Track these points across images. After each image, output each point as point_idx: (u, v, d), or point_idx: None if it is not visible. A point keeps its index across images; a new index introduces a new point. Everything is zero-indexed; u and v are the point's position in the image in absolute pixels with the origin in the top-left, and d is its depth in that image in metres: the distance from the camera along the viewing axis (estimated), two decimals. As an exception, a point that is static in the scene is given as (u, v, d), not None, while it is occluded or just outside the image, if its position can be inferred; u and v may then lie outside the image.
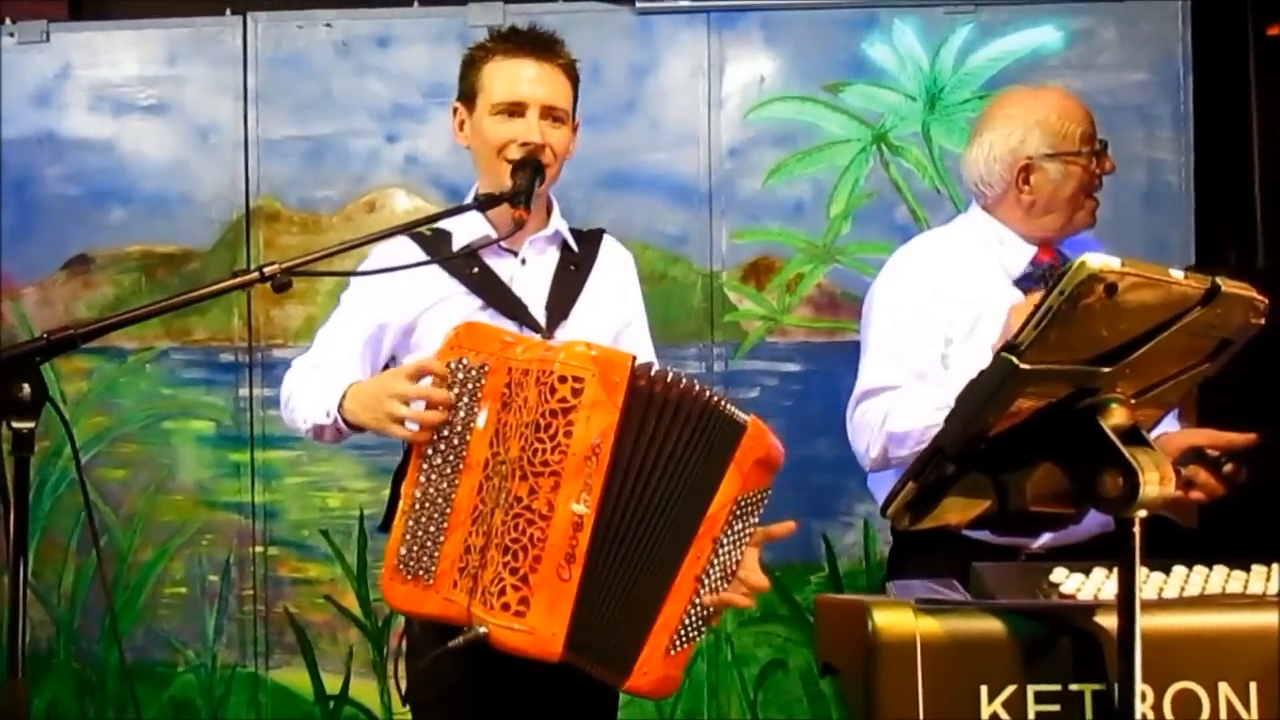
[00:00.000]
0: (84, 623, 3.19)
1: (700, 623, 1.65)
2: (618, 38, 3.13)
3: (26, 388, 1.30)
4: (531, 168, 1.85)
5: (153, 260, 3.21)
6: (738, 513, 1.63)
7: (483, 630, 1.57)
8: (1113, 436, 1.17)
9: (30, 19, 3.23)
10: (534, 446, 1.57)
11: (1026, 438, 1.22)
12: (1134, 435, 1.19)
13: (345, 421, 1.78)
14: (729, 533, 1.63)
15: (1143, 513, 1.18)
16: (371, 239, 1.79)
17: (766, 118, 3.12)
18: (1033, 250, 2.19)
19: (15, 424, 1.29)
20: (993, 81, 3.05)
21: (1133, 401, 1.22)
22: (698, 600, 1.63)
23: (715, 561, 1.63)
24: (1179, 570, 1.46)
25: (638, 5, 3.12)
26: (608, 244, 2.08)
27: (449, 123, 3.06)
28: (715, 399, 1.64)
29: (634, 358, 1.62)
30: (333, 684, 3.16)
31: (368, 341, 1.94)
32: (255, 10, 3.20)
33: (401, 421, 1.66)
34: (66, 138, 3.23)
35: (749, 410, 1.68)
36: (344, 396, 1.77)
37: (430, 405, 1.65)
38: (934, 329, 2.15)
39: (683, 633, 1.63)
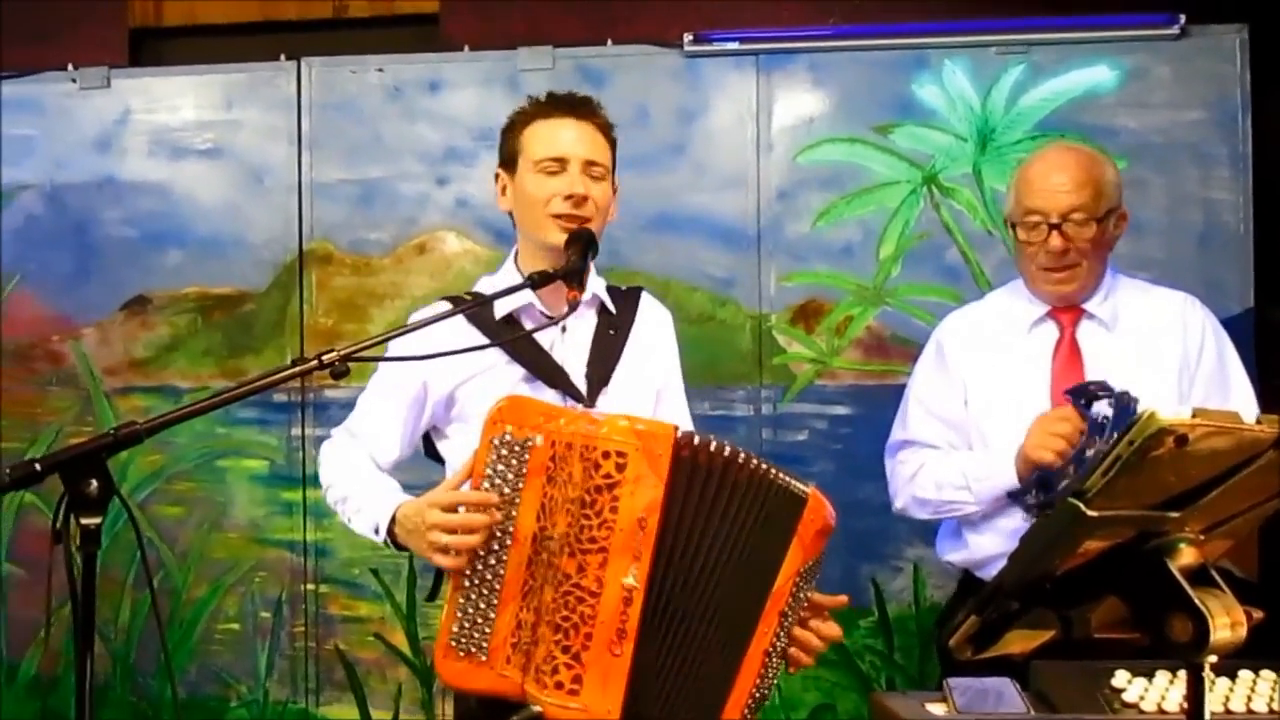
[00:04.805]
0: (140, 657, 3.25)
1: (766, 689, 1.65)
2: (666, 80, 3.14)
3: (94, 483, 1.29)
4: (584, 242, 1.85)
5: (208, 301, 3.27)
6: (800, 584, 1.62)
7: (537, 709, 1.58)
8: (1181, 580, 1.15)
9: (92, 65, 3.31)
10: (580, 523, 1.57)
11: (1092, 576, 1.19)
12: (1203, 576, 1.17)
13: (395, 546, 1.79)
14: (793, 604, 1.62)
15: (1213, 658, 1.16)
16: (426, 323, 1.74)
17: (815, 160, 3.11)
18: (1042, 308, 2.22)
19: (84, 520, 1.28)
20: (1045, 122, 3.03)
21: (1201, 538, 1.20)
22: (766, 673, 1.62)
23: (781, 634, 1.63)
24: (1244, 677, 1.42)
25: (686, 48, 3.13)
26: (646, 303, 2.07)
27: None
28: (766, 468, 1.62)
29: (677, 428, 1.61)
30: (382, 721, 3.20)
31: (413, 401, 1.93)
32: (309, 56, 3.25)
33: (445, 550, 1.67)
34: (125, 181, 3.30)
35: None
36: (393, 520, 1.78)
37: (465, 531, 1.65)
38: (962, 387, 2.25)
39: (751, 705, 1.63)
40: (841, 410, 3.09)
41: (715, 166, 3.13)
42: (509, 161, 1.99)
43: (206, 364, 3.26)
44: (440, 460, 2.02)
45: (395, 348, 1.81)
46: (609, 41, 3.19)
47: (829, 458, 3.07)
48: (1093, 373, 2.11)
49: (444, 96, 3.20)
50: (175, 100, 3.28)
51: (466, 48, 3.24)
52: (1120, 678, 1.50)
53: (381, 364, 1.96)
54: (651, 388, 2.02)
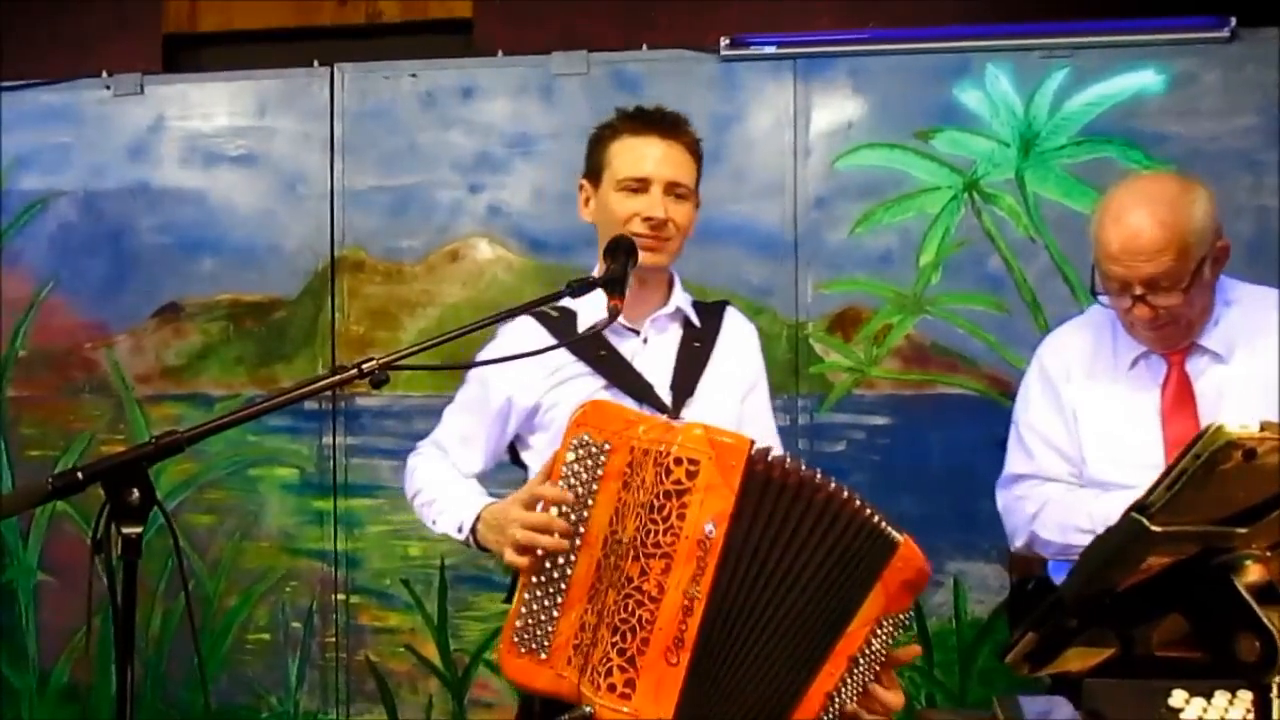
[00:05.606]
0: (171, 666, 3.24)
1: None
2: (702, 86, 3.10)
3: (136, 493, 1.28)
4: (625, 251, 1.82)
5: (240, 309, 3.26)
6: (877, 632, 1.55)
7: (589, 710, 1.55)
8: (1248, 597, 1.11)
9: (127, 72, 3.31)
10: (647, 527, 1.55)
11: (1154, 593, 1.15)
12: (1270, 594, 1.12)
13: (478, 545, 1.85)
14: (867, 652, 1.55)
15: None
16: (487, 322, 1.69)
17: (854, 166, 3.06)
18: (1138, 350, 2.08)
19: (125, 529, 1.27)
20: (1090, 127, 2.97)
21: (1268, 555, 1.15)
22: (825, 717, 1.57)
23: (849, 680, 1.55)
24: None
25: (722, 52, 3.09)
26: (731, 317, 2.08)
27: (532, 173, 3.14)
28: (848, 496, 1.56)
29: (752, 442, 1.58)
30: (412, 733, 3.17)
31: (497, 415, 1.99)
32: (342, 62, 3.24)
33: (524, 548, 1.66)
34: (159, 188, 3.30)
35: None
36: (478, 520, 1.84)
37: (545, 530, 1.65)
38: (1072, 416, 2.11)
39: None
40: (880, 420, 3.04)
41: (752, 173, 3.08)
42: (594, 174, 2.01)
43: (238, 372, 3.25)
44: (524, 467, 2.07)
45: (481, 358, 1.93)
46: (644, 46, 3.16)
47: (866, 468, 3.01)
48: (1205, 409, 1.97)
49: (477, 102, 3.18)
50: (209, 107, 3.28)
51: (500, 53, 3.22)
52: (1178, 697, 1.44)
53: (469, 379, 2.06)
54: (736, 400, 2.02)
